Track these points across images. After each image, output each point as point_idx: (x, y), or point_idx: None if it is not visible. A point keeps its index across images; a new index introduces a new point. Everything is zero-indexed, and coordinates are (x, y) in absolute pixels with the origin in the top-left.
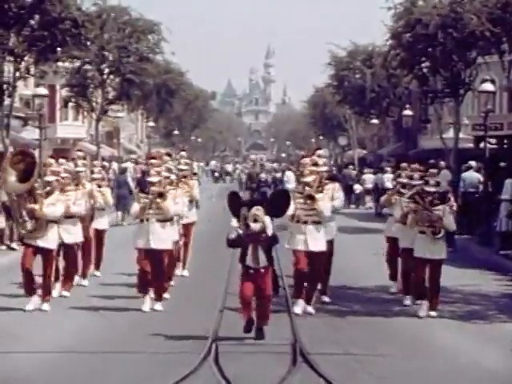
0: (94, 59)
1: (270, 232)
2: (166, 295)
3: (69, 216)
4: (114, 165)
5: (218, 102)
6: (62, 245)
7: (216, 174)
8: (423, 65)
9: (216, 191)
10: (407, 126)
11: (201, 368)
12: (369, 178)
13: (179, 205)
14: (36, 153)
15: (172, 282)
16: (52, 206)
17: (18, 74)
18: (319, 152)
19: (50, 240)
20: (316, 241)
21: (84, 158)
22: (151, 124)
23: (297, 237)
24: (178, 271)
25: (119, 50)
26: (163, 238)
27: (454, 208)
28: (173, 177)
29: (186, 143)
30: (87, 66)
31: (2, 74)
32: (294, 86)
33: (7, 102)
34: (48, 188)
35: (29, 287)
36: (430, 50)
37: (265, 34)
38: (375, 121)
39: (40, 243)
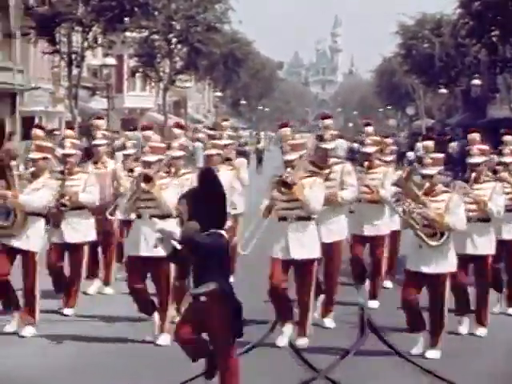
0: (162, 29)
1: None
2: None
3: (76, 207)
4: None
5: (284, 71)
6: (66, 245)
7: None
8: (492, 33)
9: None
10: (476, 95)
11: None
12: (454, 146)
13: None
14: (104, 122)
15: None
16: (35, 193)
17: (86, 44)
18: (326, 122)
19: (30, 239)
20: (301, 246)
21: (107, 130)
22: (218, 94)
23: (275, 241)
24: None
25: (187, 20)
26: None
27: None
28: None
29: (252, 113)
30: (155, 36)
31: (71, 44)
32: (361, 56)
33: (75, 72)
34: (32, 169)
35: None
36: (499, 18)
37: (332, 2)
38: (443, 90)
39: (15, 243)
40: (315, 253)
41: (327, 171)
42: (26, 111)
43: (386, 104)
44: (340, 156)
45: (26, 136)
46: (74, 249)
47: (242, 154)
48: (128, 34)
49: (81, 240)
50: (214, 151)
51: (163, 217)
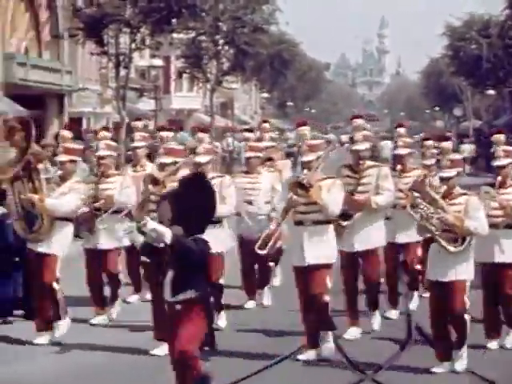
0: (209, 30)
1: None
2: None
3: (114, 211)
4: (228, 139)
5: (331, 72)
6: (100, 251)
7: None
8: None
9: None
10: None
11: None
12: (467, 148)
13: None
14: (151, 123)
15: None
16: (62, 197)
17: (133, 45)
18: (357, 122)
19: (54, 244)
20: (315, 250)
21: (150, 132)
22: (265, 95)
23: (292, 246)
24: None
25: (233, 21)
26: None
27: None
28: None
29: (299, 114)
30: (202, 37)
31: (119, 45)
32: (408, 57)
33: (123, 73)
34: (59, 172)
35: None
36: None
37: (379, 3)
38: (491, 91)
39: (39, 248)
40: (331, 258)
41: (362, 175)
42: (74, 112)
43: (433, 105)
44: (387, 158)
45: (74, 137)
46: (109, 254)
47: (290, 155)
48: (175, 35)
49: (116, 245)
50: (251, 153)
51: None
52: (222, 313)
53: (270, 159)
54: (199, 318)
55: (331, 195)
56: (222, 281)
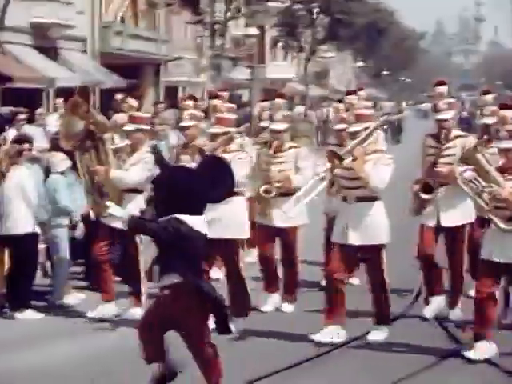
0: None
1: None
2: None
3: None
4: (323, 109)
5: (427, 42)
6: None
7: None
8: None
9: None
10: None
11: None
12: None
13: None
14: (246, 93)
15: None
16: (131, 168)
17: (229, 14)
18: (440, 89)
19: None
20: (362, 230)
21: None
22: (360, 64)
23: (336, 223)
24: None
25: None
26: (230, 222)
27: None
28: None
29: (394, 84)
30: (297, 6)
31: (214, 14)
32: (505, 26)
33: (218, 42)
34: (127, 142)
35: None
36: None
37: None
38: None
39: (112, 223)
40: (379, 238)
41: (446, 145)
42: (170, 81)
43: None
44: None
45: (170, 106)
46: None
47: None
48: (270, 3)
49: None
50: (342, 125)
51: None
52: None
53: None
54: (191, 301)
55: (376, 169)
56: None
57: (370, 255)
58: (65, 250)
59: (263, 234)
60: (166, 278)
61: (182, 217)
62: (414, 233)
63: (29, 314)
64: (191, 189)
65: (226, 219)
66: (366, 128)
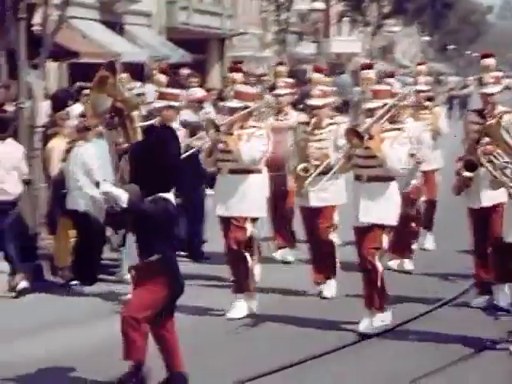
0: None
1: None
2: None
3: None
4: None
5: (494, 15)
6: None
7: None
8: None
9: None
10: None
11: None
12: None
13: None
14: (286, 69)
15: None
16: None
17: None
18: (486, 62)
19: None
20: (370, 209)
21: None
22: (426, 38)
23: (353, 205)
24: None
25: None
26: (245, 199)
27: None
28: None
29: (460, 58)
30: None
31: None
32: None
33: (284, 16)
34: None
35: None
36: None
37: None
38: None
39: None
40: (389, 219)
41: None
42: (235, 56)
43: None
44: None
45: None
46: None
47: (450, 100)
48: None
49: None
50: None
51: (243, 172)
52: (332, 281)
53: (425, 106)
54: (156, 284)
55: (393, 148)
56: (334, 238)
57: (372, 235)
58: None
59: (303, 215)
60: (145, 256)
61: (165, 195)
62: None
63: (96, 288)
64: (170, 166)
65: (241, 197)
66: (384, 105)
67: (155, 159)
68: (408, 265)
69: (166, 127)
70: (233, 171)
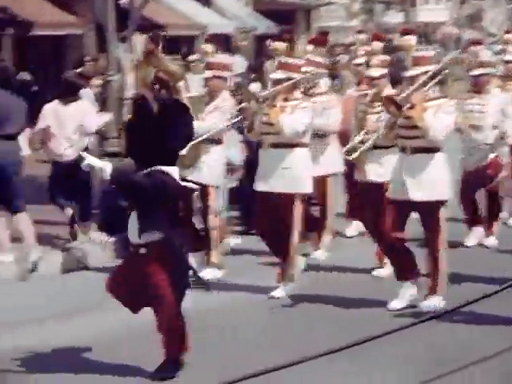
0: None
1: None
2: None
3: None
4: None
5: None
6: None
7: None
8: None
9: None
10: None
11: None
12: None
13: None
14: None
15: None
16: (208, 117)
17: None
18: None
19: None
20: (420, 184)
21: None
22: None
23: (392, 178)
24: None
25: None
26: (288, 175)
27: None
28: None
29: None
30: None
31: None
32: None
33: None
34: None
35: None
36: None
37: None
38: None
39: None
40: (440, 194)
41: None
42: (322, 27)
43: None
44: None
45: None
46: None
47: None
48: None
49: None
50: (481, 71)
51: (287, 146)
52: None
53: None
54: (166, 262)
55: (437, 118)
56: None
57: (427, 213)
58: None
59: (360, 188)
60: (146, 235)
61: (164, 168)
62: None
63: None
64: (166, 138)
65: (283, 172)
66: (426, 72)
67: (151, 131)
68: (491, 240)
69: (177, 101)
70: (275, 145)
